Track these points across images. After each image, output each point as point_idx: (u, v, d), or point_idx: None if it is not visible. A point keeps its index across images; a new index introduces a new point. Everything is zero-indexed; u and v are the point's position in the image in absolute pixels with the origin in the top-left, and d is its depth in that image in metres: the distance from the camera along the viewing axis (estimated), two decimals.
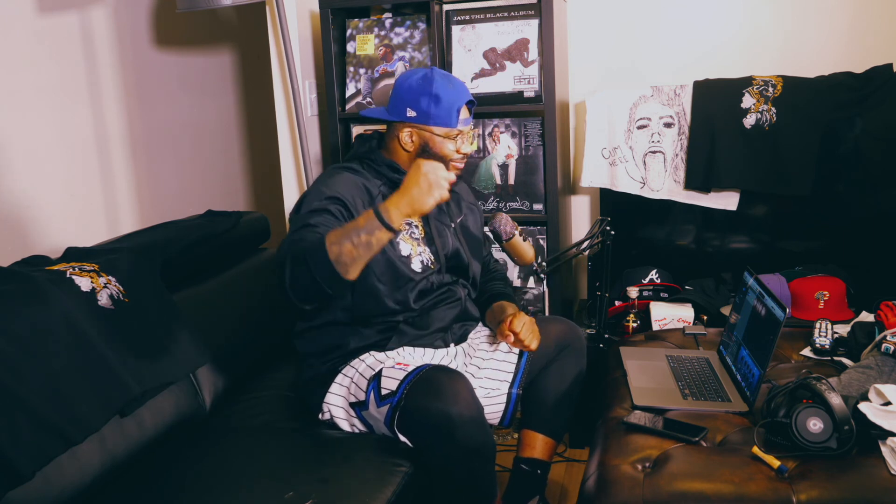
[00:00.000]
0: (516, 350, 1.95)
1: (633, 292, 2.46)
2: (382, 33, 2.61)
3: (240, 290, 2.22)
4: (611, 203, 2.68)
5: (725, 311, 2.38)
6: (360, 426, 1.78)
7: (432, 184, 1.51)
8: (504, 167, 2.56)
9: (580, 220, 2.96)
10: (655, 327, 2.38)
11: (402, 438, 1.66)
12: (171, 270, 1.96)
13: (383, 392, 1.68)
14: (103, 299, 1.69)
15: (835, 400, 1.42)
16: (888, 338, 1.73)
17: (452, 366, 1.89)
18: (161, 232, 2.08)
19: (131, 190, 2.82)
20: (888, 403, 1.47)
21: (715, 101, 2.49)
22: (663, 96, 2.56)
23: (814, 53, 2.61)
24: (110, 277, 1.74)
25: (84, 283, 1.67)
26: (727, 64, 2.63)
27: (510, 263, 2.56)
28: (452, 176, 1.55)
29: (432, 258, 1.87)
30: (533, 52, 2.47)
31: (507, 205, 2.57)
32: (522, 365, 1.94)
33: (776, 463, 1.42)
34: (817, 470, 1.40)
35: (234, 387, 2.05)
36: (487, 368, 1.94)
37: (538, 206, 2.54)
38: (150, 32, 2.94)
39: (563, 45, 2.66)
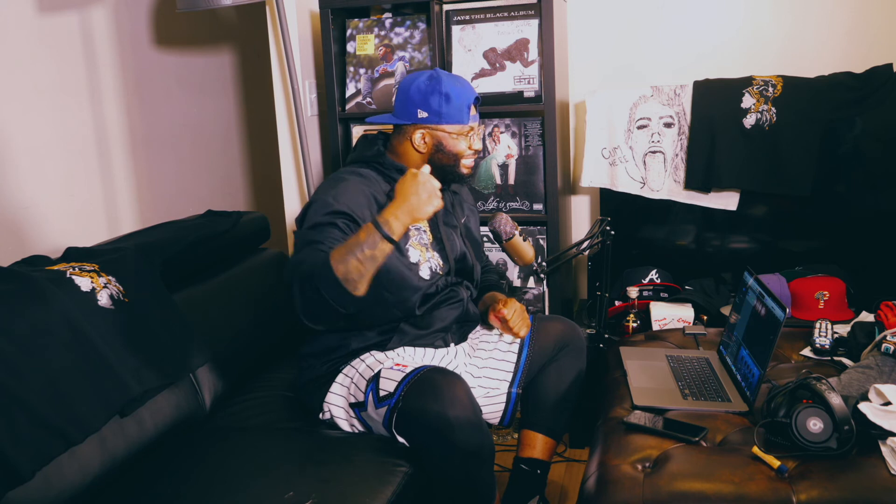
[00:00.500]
0: (516, 349, 1.95)
1: (633, 292, 2.46)
2: (382, 33, 2.61)
3: (240, 290, 2.22)
4: (611, 203, 2.68)
5: (725, 311, 2.38)
6: (359, 426, 1.78)
7: (430, 193, 1.57)
8: (504, 167, 2.56)
9: (580, 220, 2.96)
10: (655, 327, 2.38)
11: (401, 440, 1.66)
12: (171, 270, 1.96)
13: (381, 393, 1.68)
14: (103, 299, 1.69)
15: (835, 400, 1.42)
16: (888, 338, 1.73)
17: (452, 365, 1.89)
18: (161, 232, 2.08)
19: (131, 190, 2.83)
20: (888, 403, 1.47)
21: (715, 101, 2.49)
22: (663, 96, 2.56)
23: (814, 53, 2.61)
24: (110, 277, 1.74)
25: (84, 283, 1.67)
26: (727, 64, 2.63)
27: (510, 263, 2.56)
28: (438, 184, 1.61)
29: (440, 263, 1.87)
30: (533, 52, 2.47)
31: (507, 205, 2.57)
32: (522, 364, 1.94)
33: (776, 463, 1.42)
34: (817, 470, 1.40)
35: (234, 387, 2.05)
36: (487, 368, 1.94)
37: (538, 206, 2.54)
38: (150, 32, 2.94)
39: (563, 45, 2.66)
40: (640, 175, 2.61)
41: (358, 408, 1.76)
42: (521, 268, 2.55)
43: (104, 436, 1.60)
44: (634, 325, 2.42)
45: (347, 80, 2.65)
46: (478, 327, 2.04)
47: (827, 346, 1.96)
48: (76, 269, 1.70)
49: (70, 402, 1.51)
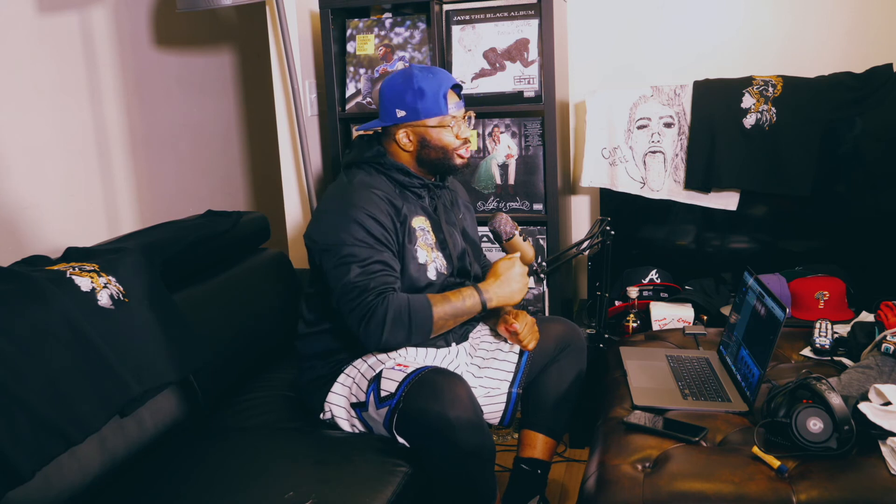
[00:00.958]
0: (516, 349, 1.95)
1: (633, 292, 2.46)
2: (382, 33, 2.61)
3: (240, 290, 2.22)
4: (611, 203, 2.68)
5: (725, 311, 2.38)
6: (360, 427, 1.78)
7: (525, 287, 1.82)
8: (504, 167, 2.56)
9: (580, 220, 2.96)
10: (655, 327, 2.38)
11: (401, 440, 1.66)
12: (171, 270, 1.96)
13: (382, 394, 1.68)
14: (103, 299, 1.69)
15: (835, 400, 1.42)
16: (888, 338, 1.73)
17: (454, 364, 1.89)
18: (161, 232, 2.08)
19: (131, 190, 2.83)
20: (888, 403, 1.47)
21: (715, 101, 2.49)
22: (663, 96, 2.56)
23: (814, 53, 2.61)
24: (110, 277, 1.74)
25: (84, 283, 1.67)
26: (727, 64, 2.63)
27: None
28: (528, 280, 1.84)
29: (444, 263, 1.87)
30: (533, 52, 2.47)
31: (507, 205, 2.57)
32: (523, 364, 1.94)
33: (776, 463, 1.42)
34: (817, 470, 1.40)
35: (234, 387, 2.05)
36: (488, 368, 1.94)
37: (538, 206, 2.54)
38: (150, 32, 2.94)
39: (563, 45, 2.66)
40: (640, 175, 2.61)
41: (359, 408, 1.76)
42: None
43: (104, 436, 1.60)
44: (634, 325, 2.42)
45: (347, 80, 2.65)
46: (479, 326, 2.04)
47: (827, 346, 1.96)
48: (76, 269, 1.70)
49: (70, 402, 1.51)
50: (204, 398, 1.93)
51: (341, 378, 1.82)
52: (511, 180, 2.56)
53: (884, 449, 1.43)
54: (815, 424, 1.43)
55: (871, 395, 1.51)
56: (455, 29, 2.55)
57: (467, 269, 1.96)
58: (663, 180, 2.60)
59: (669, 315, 2.39)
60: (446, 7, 2.56)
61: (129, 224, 2.77)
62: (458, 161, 1.86)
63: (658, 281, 2.61)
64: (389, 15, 2.63)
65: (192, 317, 1.93)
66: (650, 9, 2.76)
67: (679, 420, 1.63)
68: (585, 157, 2.65)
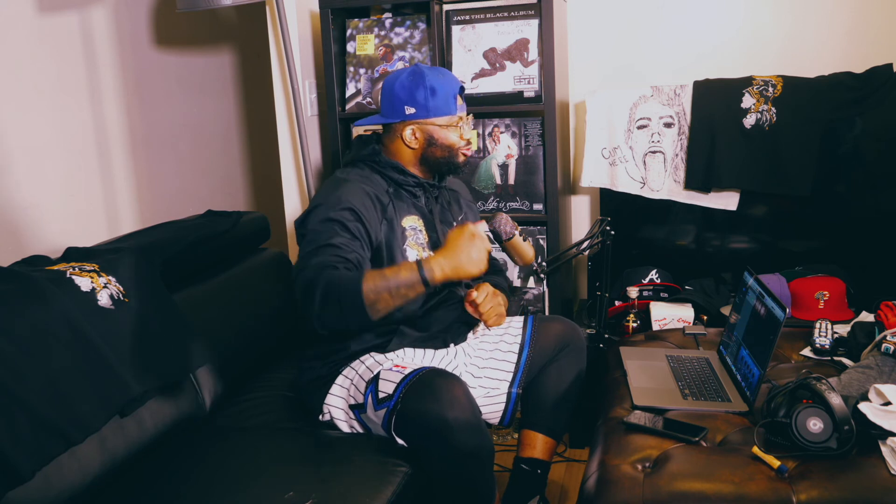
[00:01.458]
0: (516, 349, 1.95)
1: (633, 292, 2.46)
2: (382, 33, 2.61)
3: (240, 290, 2.22)
4: (611, 203, 2.68)
5: (725, 311, 2.38)
6: (358, 428, 1.78)
7: (481, 255, 1.61)
8: (504, 167, 2.56)
9: (580, 220, 2.96)
10: (655, 327, 2.38)
11: (400, 441, 1.66)
12: (171, 270, 1.96)
13: (380, 395, 1.68)
14: (103, 299, 1.69)
15: (835, 400, 1.42)
16: (888, 338, 1.73)
17: (452, 365, 1.89)
18: (161, 232, 2.08)
19: (131, 190, 2.83)
20: (888, 403, 1.47)
21: (715, 101, 2.49)
22: (663, 96, 2.56)
23: (814, 53, 2.61)
24: (110, 277, 1.74)
25: (84, 283, 1.67)
26: (727, 64, 2.63)
27: (510, 263, 2.56)
28: (491, 247, 1.66)
29: None
30: (533, 52, 2.47)
31: (507, 205, 2.57)
32: (522, 364, 1.94)
33: (776, 463, 1.42)
34: (817, 470, 1.40)
35: (234, 387, 2.05)
36: (487, 368, 1.94)
37: (538, 206, 2.54)
38: (150, 32, 2.94)
39: (563, 45, 2.66)
40: (640, 175, 2.61)
41: (357, 409, 1.76)
42: (521, 268, 2.55)
43: (104, 436, 1.60)
44: (634, 325, 2.42)
45: (347, 80, 2.65)
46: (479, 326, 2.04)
47: (827, 346, 1.96)
48: (76, 269, 1.70)
49: (70, 402, 1.51)
50: (204, 398, 1.93)
51: (339, 379, 1.82)
52: (511, 180, 2.56)
53: (884, 449, 1.42)
54: (815, 424, 1.43)
55: (871, 395, 1.51)
56: (455, 29, 2.55)
57: None
58: (663, 180, 2.60)
59: (669, 315, 2.39)
60: (446, 7, 2.56)
61: (129, 224, 2.77)
62: (462, 158, 1.88)
63: (658, 281, 2.61)
64: (389, 15, 2.63)
65: (192, 317, 1.93)
66: (650, 9, 2.76)
67: (679, 420, 1.63)
68: (585, 157, 2.65)
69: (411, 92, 1.80)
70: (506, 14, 2.49)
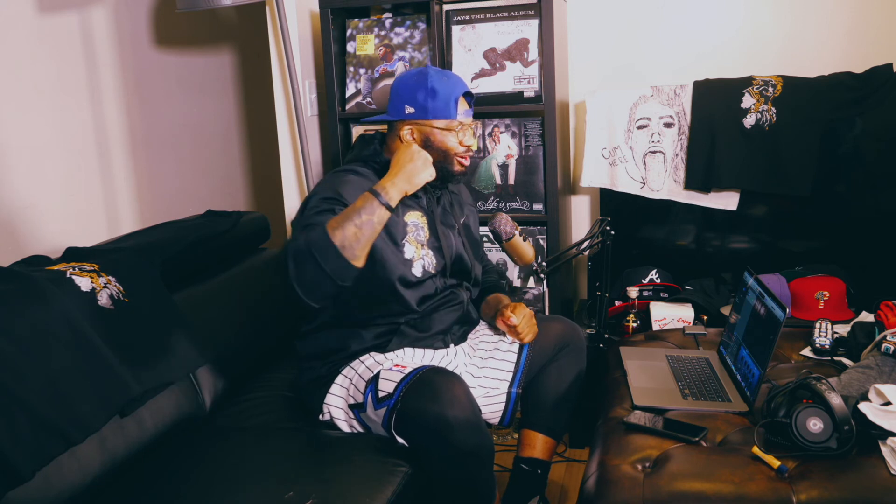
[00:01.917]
0: (516, 349, 1.95)
1: (633, 292, 2.46)
2: (382, 33, 2.61)
3: (240, 290, 2.22)
4: (611, 203, 2.68)
5: (725, 311, 2.38)
6: (358, 427, 1.78)
7: (425, 161, 1.64)
8: (504, 167, 2.56)
9: (580, 220, 2.96)
10: (655, 327, 2.38)
11: (400, 440, 1.66)
12: (171, 270, 1.96)
13: (380, 394, 1.68)
14: (103, 299, 1.69)
15: (835, 400, 1.42)
16: (888, 338, 1.73)
17: (452, 366, 1.89)
18: (161, 232, 2.08)
19: (131, 190, 2.83)
20: (888, 403, 1.47)
21: (715, 101, 2.49)
22: (663, 96, 2.56)
23: (814, 53, 2.61)
24: (110, 277, 1.74)
25: (84, 283, 1.67)
26: (727, 64, 2.63)
27: (510, 263, 2.56)
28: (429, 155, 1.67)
29: (434, 262, 1.86)
30: (533, 52, 2.47)
31: (507, 205, 2.57)
32: (522, 364, 1.94)
33: (776, 463, 1.42)
34: (817, 470, 1.40)
35: (234, 387, 2.05)
36: (487, 368, 1.94)
37: (538, 206, 2.54)
38: (150, 32, 2.94)
39: (563, 45, 2.66)
40: (640, 175, 2.61)
41: (357, 409, 1.76)
42: (521, 268, 2.55)
43: (104, 436, 1.60)
44: (634, 325, 2.42)
45: (347, 80, 2.65)
46: (478, 326, 2.04)
47: (827, 346, 1.96)
48: (76, 269, 1.70)
49: (70, 402, 1.51)
50: (204, 398, 1.93)
51: (339, 379, 1.82)
52: (511, 180, 2.56)
53: (884, 449, 1.43)
54: (815, 424, 1.43)
55: (871, 395, 1.51)
56: (455, 29, 2.55)
57: (466, 272, 1.96)
58: (663, 180, 2.60)
59: (669, 315, 2.39)
60: (446, 7, 2.56)
61: (129, 224, 2.77)
62: (457, 168, 1.86)
63: (658, 281, 2.61)
64: (389, 15, 2.63)
65: (192, 317, 1.93)
66: (650, 9, 2.76)
67: (679, 420, 1.63)
68: (585, 157, 2.65)
69: (413, 91, 1.80)
70: (506, 14, 2.49)
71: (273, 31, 2.60)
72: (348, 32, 2.65)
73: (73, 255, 1.82)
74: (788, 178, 2.45)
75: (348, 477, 1.59)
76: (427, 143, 1.82)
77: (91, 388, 1.56)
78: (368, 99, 2.62)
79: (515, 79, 2.49)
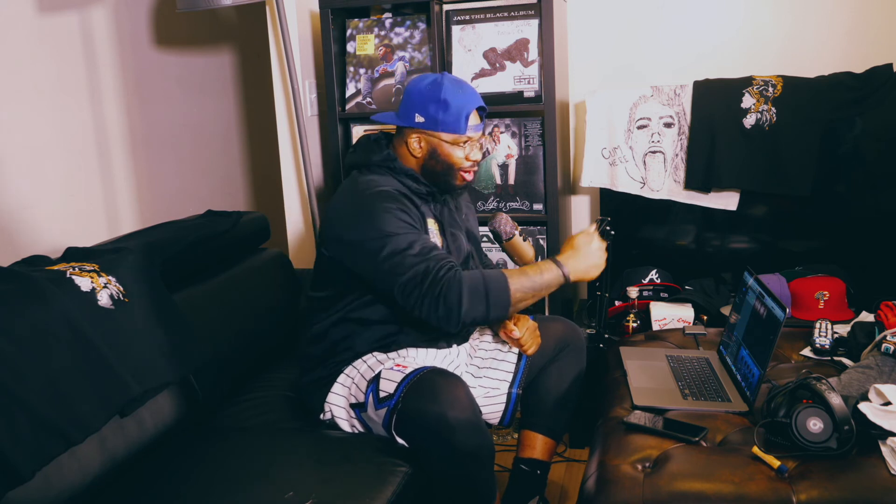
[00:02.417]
0: (516, 350, 1.95)
1: (633, 292, 2.46)
2: (382, 33, 2.61)
3: (240, 290, 2.22)
4: (611, 203, 2.68)
5: (725, 311, 2.38)
6: (359, 427, 1.78)
7: (602, 262, 1.76)
8: (504, 167, 2.56)
9: (580, 220, 2.96)
10: (655, 327, 2.38)
11: (400, 441, 1.66)
12: (171, 270, 1.96)
13: (381, 394, 1.68)
14: (103, 299, 1.69)
15: (835, 400, 1.42)
16: (888, 338, 1.73)
17: (455, 365, 1.89)
18: (161, 232, 2.08)
19: (131, 190, 2.83)
20: (888, 403, 1.47)
21: (715, 101, 2.49)
22: (663, 96, 2.56)
23: (814, 53, 2.61)
24: (110, 277, 1.74)
25: (84, 283, 1.67)
26: (727, 64, 2.63)
27: (510, 263, 2.56)
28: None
29: None
30: (533, 52, 2.47)
31: (507, 205, 2.57)
32: (522, 365, 1.94)
33: (776, 463, 1.42)
34: (817, 470, 1.40)
35: (234, 387, 2.05)
36: (487, 368, 1.94)
37: (538, 206, 2.54)
38: (150, 32, 2.94)
39: (563, 45, 2.66)
40: (640, 175, 2.61)
41: (358, 408, 1.76)
42: None
43: (104, 436, 1.60)
44: (634, 325, 2.42)
45: (347, 80, 2.65)
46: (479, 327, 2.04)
47: (827, 346, 1.96)
48: (76, 269, 1.70)
49: (70, 402, 1.51)
50: (204, 398, 1.93)
51: (341, 378, 1.82)
52: (511, 180, 2.56)
53: (884, 449, 1.43)
54: (815, 424, 1.43)
55: (871, 395, 1.51)
56: (455, 29, 2.55)
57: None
58: (663, 180, 2.60)
59: (669, 315, 2.39)
60: (446, 7, 2.56)
61: (129, 224, 2.77)
62: (459, 182, 1.84)
63: (658, 281, 2.61)
64: (389, 15, 2.63)
65: (192, 317, 1.93)
66: (650, 9, 2.76)
67: (679, 420, 1.63)
68: (585, 157, 2.65)
69: (426, 101, 1.77)
70: (506, 14, 2.49)
71: (273, 31, 2.60)
72: (348, 32, 2.65)
73: (73, 255, 1.82)
74: (788, 178, 2.45)
75: (348, 477, 1.58)
76: (433, 155, 1.80)
77: (91, 388, 1.56)
78: (368, 99, 2.62)
79: (515, 79, 2.49)
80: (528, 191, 2.54)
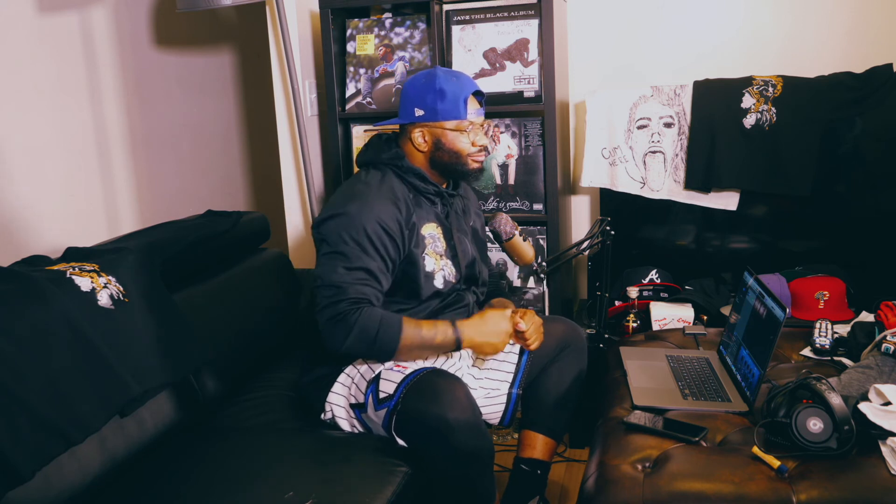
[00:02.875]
0: (516, 350, 1.95)
1: (633, 292, 2.46)
2: (382, 33, 2.61)
3: (240, 290, 2.22)
4: (611, 203, 2.68)
5: (725, 311, 2.38)
6: (359, 427, 1.78)
7: (505, 342, 1.74)
8: (504, 167, 2.56)
9: (580, 220, 2.96)
10: (655, 327, 2.38)
11: (400, 441, 1.66)
12: (171, 270, 1.96)
13: (381, 395, 1.68)
14: (103, 299, 1.69)
15: (835, 400, 1.42)
16: (888, 338, 1.73)
17: (456, 366, 1.89)
18: (161, 232, 2.08)
19: (131, 190, 2.83)
20: (888, 403, 1.47)
21: (715, 101, 2.49)
22: (663, 96, 2.56)
23: (814, 53, 2.61)
24: (110, 277, 1.74)
25: (84, 283, 1.67)
26: (727, 64, 2.63)
27: (510, 263, 2.56)
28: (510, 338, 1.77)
29: (453, 271, 1.86)
30: (533, 52, 2.47)
31: (507, 205, 2.57)
32: (523, 365, 1.94)
33: (776, 463, 1.42)
34: (817, 470, 1.40)
35: (235, 387, 2.05)
36: (488, 368, 1.94)
37: (538, 206, 2.54)
38: (150, 32, 2.94)
39: (563, 45, 2.66)
40: (640, 175, 2.61)
41: (358, 409, 1.76)
42: (521, 268, 2.55)
43: (104, 436, 1.60)
44: (634, 325, 2.42)
45: (347, 80, 2.65)
46: None
47: (827, 346, 1.96)
48: (76, 269, 1.70)
49: (70, 402, 1.51)
50: (204, 398, 1.93)
51: (341, 378, 1.82)
52: (511, 180, 2.56)
53: (884, 449, 1.43)
54: (815, 424, 1.43)
55: (871, 395, 1.51)
56: (455, 29, 2.55)
57: (475, 276, 1.95)
58: (663, 180, 2.60)
59: (669, 315, 2.39)
60: (446, 7, 2.56)
61: (129, 224, 2.77)
62: (472, 166, 1.84)
63: (658, 281, 2.61)
64: (389, 15, 2.63)
65: (192, 317, 1.93)
66: (650, 9, 2.76)
67: (679, 420, 1.63)
68: (585, 157, 2.65)
69: (422, 93, 1.78)
70: (506, 14, 2.49)
71: (273, 31, 2.60)
72: (348, 32, 2.65)
73: (73, 255, 1.82)
74: (788, 178, 2.45)
75: (348, 477, 1.58)
76: (438, 146, 1.81)
77: (91, 388, 1.56)
78: (368, 99, 2.62)
79: (515, 79, 2.50)
80: (528, 191, 2.54)
